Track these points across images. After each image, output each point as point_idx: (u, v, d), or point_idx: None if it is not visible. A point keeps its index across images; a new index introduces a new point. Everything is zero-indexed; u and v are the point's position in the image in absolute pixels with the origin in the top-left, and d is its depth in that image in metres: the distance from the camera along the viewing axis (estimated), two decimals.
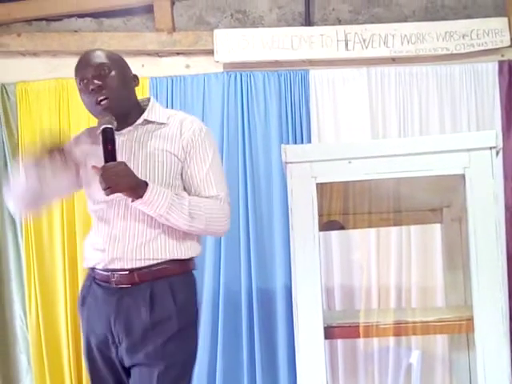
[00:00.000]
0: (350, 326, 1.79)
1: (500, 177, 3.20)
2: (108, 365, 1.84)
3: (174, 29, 3.38)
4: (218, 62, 3.30)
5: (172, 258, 1.81)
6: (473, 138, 1.66)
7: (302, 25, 3.39)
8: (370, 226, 2.74)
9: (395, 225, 2.82)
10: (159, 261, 1.80)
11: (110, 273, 1.81)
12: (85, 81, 1.84)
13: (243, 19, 3.44)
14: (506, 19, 3.24)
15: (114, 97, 1.81)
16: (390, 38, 3.26)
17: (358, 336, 1.84)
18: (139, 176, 1.77)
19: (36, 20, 3.40)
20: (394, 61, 3.32)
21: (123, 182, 1.69)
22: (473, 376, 1.94)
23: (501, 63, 3.27)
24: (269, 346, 3.21)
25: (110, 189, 1.69)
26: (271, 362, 3.20)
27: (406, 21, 3.35)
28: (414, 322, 1.81)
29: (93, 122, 3.25)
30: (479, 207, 1.61)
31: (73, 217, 3.27)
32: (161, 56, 3.41)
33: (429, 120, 3.28)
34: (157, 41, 3.36)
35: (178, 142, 1.84)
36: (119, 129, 1.83)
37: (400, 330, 1.83)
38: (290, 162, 1.64)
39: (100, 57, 1.88)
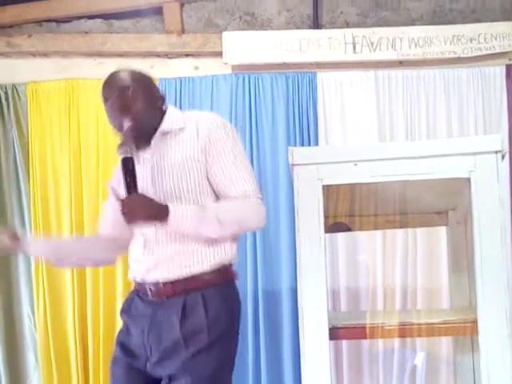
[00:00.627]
0: (355, 327, 1.80)
1: (507, 180, 3.20)
2: (134, 377, 1.83)
3: (183, 31, 3.41)
4: (226, 63, 3.32)
5: (205, 264, 1.77)
6: (478, 141, 1.67)
7: (310, 27, 3.41)
8: (376, 228, 2.75)
9: (401, 227, 2.83)
10: (192, 269, 1.76)
11: (147, 286, 1.80)
12: (109, 102, 1.83)
13: (252, 21, 3.47)
14: None
15: (139, 120, 1.79)
16: (398, 41, 3.27)
17: (363, 337, 1.86)
18: (168, 190, 1.77)
19: (46, 21, 3.43)
20: (401, 64, 3.33)
21: (141, 213, 1.68)
22: (477, 378, 1.95)
23: (508, 67, 3.27)
24: (274, 347, 3.22)
25: (130, 222, 1.71)
26: (276, 364, 3.22)
27: (413, 24, 3.36)
28: (419, 324, 1.82)
29: (102, 122, 3.31)
30: (484, 210, 1.62)
31: (81, 217, 3.29)
32: (170, 57, 3.44)
33: (436, 123, 3.28)
34: (166, 42, 3.38)
35: (197, 145, 1.79)
36: (144, 147, 1.82)
37: (405, 331, 1.85)
38: (297, 164, 1.65)
39: (124, 79, 1.85)
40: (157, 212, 1.70)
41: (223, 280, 1.80)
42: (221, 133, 1.82)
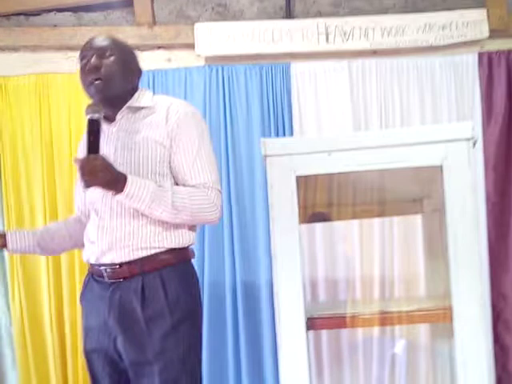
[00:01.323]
0: (332, 317, 1.80)
1: (481, 168, 3.23)
2: (106, 361, 1.82)
3: (154, 23, 3.37)
4: (199, 55, 3.30)
5: (161, 247, 1.76)
6: (450, 129, 1.67)
7: (283, 18, 3.39)
8: (353, 218, 2.75)
9: (378, 216, 2.84)
10: (148, 251, 1.75)
11: (102, 267, 1.78)
12: (84, 60, 1.83)
13: (224, 12, 3.44)
14: (484, 11, 3.27)
15: (108, 79, 1.79)
16: (371, 30, 3.27)
17: (341, 326, 1.86)
18: (128, 166, 1.75)
19: (14, 15, 3.37)
20: (374, 53, 3.33)
21: (100, 176, 1.65)
22: (453, 364, 1.97)
23: (480, 55, 3.29)
24: (253, 339, 3.22)
25: (86, 182, 1.66)
26: (256, 355, 3.22)
27: (386, 13, 3.37)
28: (396, 312, 1.83)
29: (74, 117, 3.27)
30: (457, 198, 1.62)
31: (55, 210, 3.25)
32: (142, 50, 3.38)
33: (410, 112, 3.30)
34: (137, 35, 3.34)
35: (164, 129, 1.80)
36: (112, 119, 1.84)
37: (382, 320, 1.85)
38: (270, 156, 1.64)
39: (105, 40, 1.88)
40: (116, 178, 1.68)
41: (180, 260, 1.81)
42: (189, 121, 1.82)
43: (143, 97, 1.89)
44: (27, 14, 3.38)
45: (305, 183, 1.72)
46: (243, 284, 3.22)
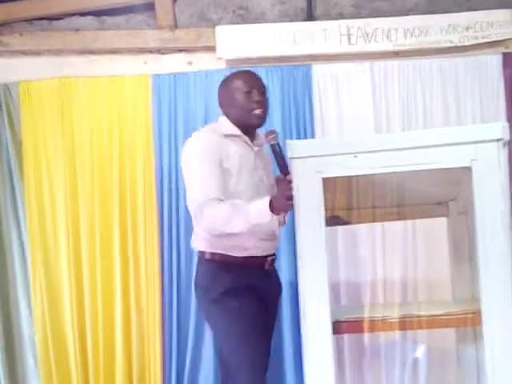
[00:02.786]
0: (357, 321, 1.78)
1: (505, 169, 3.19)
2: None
3: (175, 26, 3.37)
4: (220, 58, 3.30)
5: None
6: (479, 130, 1.65)
7: (305, 20, 3.38)
8: (375, 221, 2.72)
9: (401, 219, 2.81)
10: None
11: (269, 258, 2.34)
12: (253, 90, 2.29)
13: (245, 15, 3.43)
14: (509, 11, 3.23)
15: (266, 114, 2.33)
16: (393, 31, 3.24)
17: (365, 330, 1.84)
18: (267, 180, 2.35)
19: (37, 19, 3.39)
20: (397, 54, 3.31)
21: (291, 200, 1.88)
22: (481, 369, 1.93)
23: (505, 55, 3.26)
24: (274, 343, 3.19)
25: (290, 206, 1.88)
26: (277, 360, 3.19)
27: (408, 14, 3.34)
28: (421, 316, 1.80)
29: (96, 120, 3.28)
30: (486, 200, 1.60)
31: (77, 216, 3.27)
32: (163, 53, 3.40)
33: (433, 113, 3.26)
34: (159, 38, 3.35)
35: None
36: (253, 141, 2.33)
37: (407, 324, 1.83)
38: (296, 158, 1.63)
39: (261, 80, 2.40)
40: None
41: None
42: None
43: None
44: (50, 18, 3.41)
45: (325, 185, 1.71)
46: None
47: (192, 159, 2.21)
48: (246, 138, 2.30)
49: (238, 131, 2.30)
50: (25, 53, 3.37)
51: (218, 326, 2.26)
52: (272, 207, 2.00)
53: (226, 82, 2.40)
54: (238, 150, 2.23)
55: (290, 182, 1.82)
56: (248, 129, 2.31)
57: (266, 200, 2.02)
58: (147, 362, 3.23)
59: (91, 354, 3.22)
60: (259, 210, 2.05)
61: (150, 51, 3.38)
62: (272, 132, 2.18)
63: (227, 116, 2.35)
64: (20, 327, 3.31)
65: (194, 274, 3.16)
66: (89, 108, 3.31)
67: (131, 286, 3.25)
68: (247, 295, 2.20)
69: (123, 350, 3.22)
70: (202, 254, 2.31)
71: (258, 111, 2.27)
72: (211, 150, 2.19)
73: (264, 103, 2.31)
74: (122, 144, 3.30)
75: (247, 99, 2.28)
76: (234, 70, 3.22)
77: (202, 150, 2.20)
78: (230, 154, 2.21)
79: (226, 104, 2.36)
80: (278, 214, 2.02)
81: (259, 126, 2.32)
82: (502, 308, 1.61)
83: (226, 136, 2.26)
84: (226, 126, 2.32)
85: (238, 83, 2.31)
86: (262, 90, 2.33)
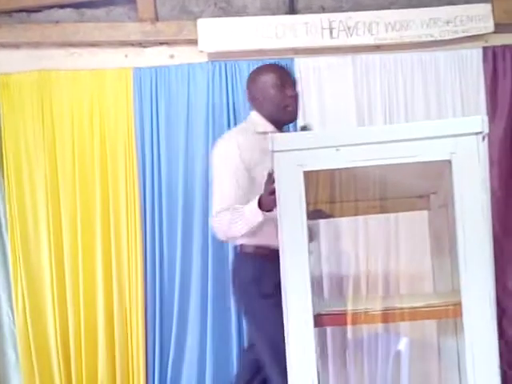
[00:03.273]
0: (339, 314, 1.79)
1: (485, 162, 3.22)
2: None
3: (157, 18, 3.35)
4: (202, 51, 3.28)
5: None
6: (459, 123, 1.65)
7: (286, 13, 3.37)
8: (357, 214, 2.73)
9: (383, 212, 2.82)
10: None
11: None
12: (286, 85, 2.26)
13: (227, 8, 3.42)
14: (489, 5, 3.25)
15: (298, 109, 2.31)
16: (375, 25, 3.25)
17: (347, 323, 1.84)
18: None
19: (16, 11, 3.35)
20: (378, 48, 3.32)
21: None
22: (461, 360, 1.95)
23: (485, 49, 3.28)
24: None
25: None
26: None
27: (389, 8, 3.35)
28: (403, 309, 1.81)
29: (76, 113, 3.25)
30: (466, 192, 1.61)
31: (58, 209, 3.24)
32: (144, 46, 3.38)
33: (414, 107, 3.28)
34: (140, 31, 3.32)
35: None
36: None
37: (389, 316, 1.84)
38: (277, 151, 1.62)
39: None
40: None
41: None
42: None
43: None
44: (29, 10, 3.36)
45: (307, 179, 1.71)
46: None
47: (215, 166, 2.26)
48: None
49: (271, 127, 2.27)
50: (3, 45, 3.32)
51: (266, 322, 2.19)
52: (260, 204, 1.99)
53: (256, 76, 2.35)
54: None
55: (270, 175, 1.82)
56: (279, 124, 2.29)
57: (256, 199, 2.02)
58: (130, 355, 3.22)
59: (73, 346, 3.20)
60: (251, 210, 2.04)
61: (131, 44, 3.35)
62: (306, 127, 2.20)
63: (259, 112, 2.30)
64: (1, 322, 3.29)
65: (178, 268, 3.22)
66: (69, 101, 3.28)
67: (113, 279, 3.23)
68: None
69: (106, 343, 3.20)
70: (243, 247, 2.29)
71: (290, 108, 2.26)
72: (234, 155, 2.18)
73: (296, 98, 2.30)
74: (103, 138, 3.27)
75: (281, 94, 2.25)
76: (216, 64, 3.27)
77: (224, 156, 2.20)
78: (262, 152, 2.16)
79: (258, 99, 2.31)
80: (268, 211, 2.00)
81: (292, 121, 2.34)
82: (482, 300, 1.63)
83: (259, 133, 2.23)
84: (259, 122, 2.29)
85: (271, 78, 2.28)
86: (294, 83, 2.31)
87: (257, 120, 2.31)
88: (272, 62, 3.25)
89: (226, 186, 2.20)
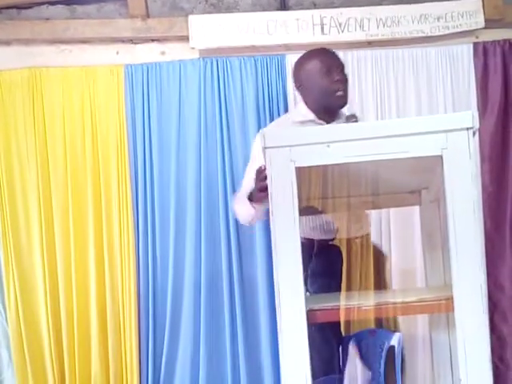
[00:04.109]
0: (332, 309, 1.79)
1: (476, 158, 3.23)
2: None
3: (148, 15, 3.34)
4: (193, 48, 3.27)
5: None
6: (450, 119, 1.65)
7: (278, 9, 3.37)
8: (349, 210, 2.74)
9: (375, 208, 2.83)
10: None
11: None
12: (332, 68, 2.17)
13: (218, 4, 3.41)
14: (479, 1, 3.26)
15: (347, 94, 2.21)
16: (366, 21, 3.26)
17: (340, 318, 1.85)
18: None
19: (6, 8, 3.33)
20: (369, 44, 3.32)
21: None
22: (453, 354, 1.97)
23: (475, 45, 3.29)
24: (251, 332, 3.21)
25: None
26: (254, 349, 3.21)
27: (380, 4, 3.35)
28: (395, 303, 1.82)
29: (67, 110, 3.24)
30: (457, 188, 1.61)
31: (50, 206, 3.23)
32: (135, 43, 3.37)
33: (405, 102, 3.29)
34: (131, 27, 3.31)
35: None
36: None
37: (382, 311, 1.84)
38: (269, 147, 1.62)
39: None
40: None
41: None
42: None
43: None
44: (19, 7, 3.35)
45: (299, 175, 1.71)
46: (240, 277, 3.21)
47: (250, 157, 2.32)
48: (322, 122, 2.21)
49: (311, 115, 2.22)
50: None
51: None
52: (251, 197, 2.01)
53: (300, 64, 2.30)
54: None
55: (260, 172, 1.82)
56: (330, 110, 2.23)
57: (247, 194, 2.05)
58: (123, 354, 3.22)
59: (66, 343, 3.19)
60: (245, 202, 2.07)
61: (122, 41, 3.34)
62: (353, 116, 2.11)
63: (306, 99, 2.26)
64: None
65: (171, 266, 3.21)
66: (60, 98, 3.26)
67: (106, 278, 3.23)
68: None
69: (99, 341, 3.19)
70: None
71: (340, 92, 2.19)
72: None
73: (344, 82, 2.22)
74: (94, 135, 3.26)
75: (327, 80, 2.18)
76: (207, 60, 3.26)
77: (256, 148, 2.20)
78: None
79: (304, 87, 2.25)
80: (258, 203, 2.03)
81: (342, 106, 2.24)
82: (473, 294, 1.64)
83: (297, 123, 2.20)
84: (300, 111, 2.25)
85: (315, 63, 2.22)
86: (341, 67, 2.23)
87: (300, 109, 2.28)
88: (263, 58, 3.28)
89: (247, 179, 2.24)
